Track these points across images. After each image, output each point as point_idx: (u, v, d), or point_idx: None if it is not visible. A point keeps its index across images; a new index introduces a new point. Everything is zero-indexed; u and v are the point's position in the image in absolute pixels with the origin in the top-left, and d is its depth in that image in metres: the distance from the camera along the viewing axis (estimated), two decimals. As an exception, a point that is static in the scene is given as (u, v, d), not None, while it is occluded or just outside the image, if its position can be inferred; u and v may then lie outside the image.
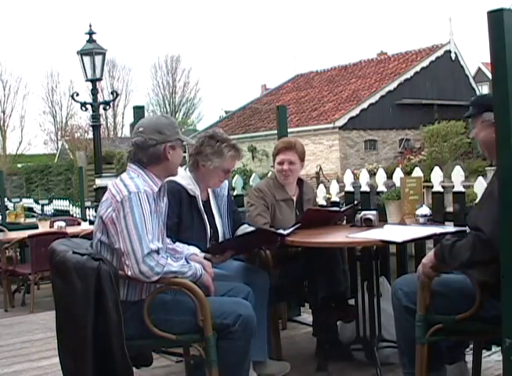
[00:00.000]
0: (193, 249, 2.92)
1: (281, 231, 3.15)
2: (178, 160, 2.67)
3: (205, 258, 2.95)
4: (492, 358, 3.37)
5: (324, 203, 4.35)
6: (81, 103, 10.78)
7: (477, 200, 2.94)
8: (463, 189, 3.47)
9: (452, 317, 2.47)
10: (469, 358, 3.02)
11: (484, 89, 31.49)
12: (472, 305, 2.42)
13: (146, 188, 2.47)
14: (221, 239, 3.25)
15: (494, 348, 3.34)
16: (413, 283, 2.61)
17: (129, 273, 2.39)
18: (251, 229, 3.29)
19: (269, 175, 4.03)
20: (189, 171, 3.23)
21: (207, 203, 3.27)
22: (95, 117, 10.76)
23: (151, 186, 2.53)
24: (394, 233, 3.03)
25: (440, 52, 26.87)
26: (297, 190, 3.73)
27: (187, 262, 2.57)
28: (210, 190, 3.32)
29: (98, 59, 10.56)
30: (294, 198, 3.69)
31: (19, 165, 35.22)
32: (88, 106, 10.72)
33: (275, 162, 3.65)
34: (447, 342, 2.77)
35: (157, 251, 2.41)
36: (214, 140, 3.18)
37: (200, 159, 3.18)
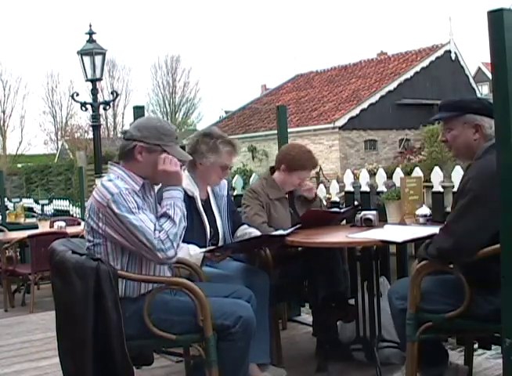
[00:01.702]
0: (192, 247, 2.93)
1: (281, 232, 3.15)
2: (152, 167, 2.52)
3: (204, 256, 2.95)
4: (492, 358, 3.37)
5: (324, 203, 4.35)
6: (81, 103, 10.78)
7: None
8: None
9: (442, 315, 2.49)
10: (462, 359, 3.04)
11: (484, 89, 31.51)
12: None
13: (126, 186, 2.45)
14: (221, 237, 3.25)
15: (494, 348, 3.34)
16: (406, 287, 2.63)
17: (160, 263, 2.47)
18: (253, 230, 3.29)
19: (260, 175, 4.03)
20: (187, 171, 3.23)
21: (207, 202, 3.27)
22: (95, 117, 10.76)
23: (131, 184, 2.49)
24: (394, 233, 3.03)
25: (440, 52, 26.87)
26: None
27: (167, 209, 2.48)
28: (209, 190, 3.32)
29: (98, 59, 10.57)
30: (287, 195, 3.70)
31: (19, 165, 35.23)
32: (88, 106, 10.73)
33: (295, 175, 3.57)
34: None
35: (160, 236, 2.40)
36: (208, 137, 3.19)
37: (196, 157, 3.18)
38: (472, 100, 2.68)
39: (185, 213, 2.51)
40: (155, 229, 2.39)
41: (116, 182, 2.46)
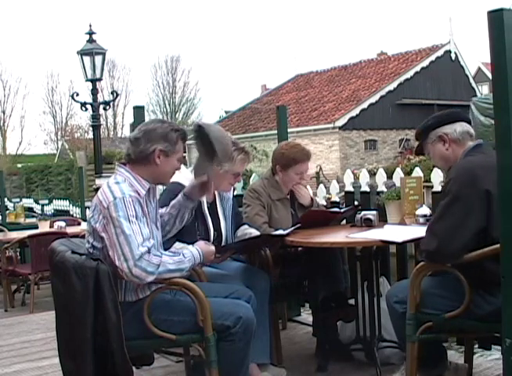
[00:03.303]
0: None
1: (281, 231, 3.15)
2: (168, 169, 2.59)
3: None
4: (492, 358, 3.37)
5: (324, 203, 4.35)
6: (81, 103, 10.77)
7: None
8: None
9: (442, 315, 2.49)
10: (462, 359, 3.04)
11: (484, 89, 31.49)
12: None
13: (131, 193, 2.44)
14: (224, 240, 3.25)
15: (494, 348, 3.34)
16: (405, 289, 2.64)
17: (125, 277, 2.38)
18: (253, 230, 3.28)
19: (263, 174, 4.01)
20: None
21: (212, 205, 3.26)
22: (95, 117, 10.75)
23: (138, 189, 2.50)
24: (394, 233, 3.03)
25: (440, 52, 26.88)
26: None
27: (183, 255, 2.50)
28: (216, 192, 3.32)
29: (98, 59, 10.55)
30: (288, 196, 3.69)
31: (19, 165, 35.18)
32: (88, 106, 10.72)
33: (291, 171, 3.55)
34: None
35: (149, 251, 2.38)
36: None
37: None
38: (426, 120, 2.83)
39: (185, 272, 2.51)
40: (143, 245, 2.37)
41: (122, 186, 2.46)
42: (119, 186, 2.45)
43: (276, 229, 3.30)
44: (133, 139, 2.55)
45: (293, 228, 3.19)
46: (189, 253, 2.52)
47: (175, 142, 2.57)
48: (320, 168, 22.48)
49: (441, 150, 2.72)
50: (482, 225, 2.38)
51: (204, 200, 3.17)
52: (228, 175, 3.17)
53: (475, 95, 23.37)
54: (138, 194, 2.48)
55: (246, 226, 3.36)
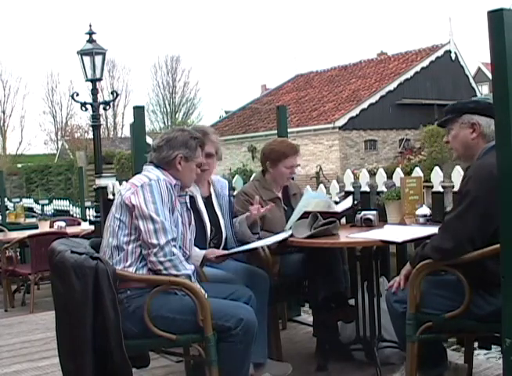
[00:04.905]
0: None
1: (284, 235, 3.15)
2: (189, 173, 2.76)
3: (204, 256, 2.95)
4: (492, 358, 3.38)
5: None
6: (81, 103, 10.76)
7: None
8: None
9: (442, 315, 2.49)
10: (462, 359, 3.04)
11: (484, 89, 31.51)
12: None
13: (166, 178, 2.64)
14: (224, 237, 3.26)
15: (494, 348, 3.35)
16: (405, 289, 2.64)
17: (152, 258, 2.49)
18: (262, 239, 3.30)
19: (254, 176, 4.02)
20: None
21: (208, 199, 3.27)
22: (95, 117, 10.74)
23: (170, 179, 2.68)
24: (394, 233, 3.03)
25: (440, 52, 26.87)
26: (282, 188, 3.75)
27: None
28: (212, 189, 3.32)
29: (98, 59, 10.53)
30: (280, 195, 3.70)
31: (19, 165, 35.22)
32: (88, 106, 10.70)
33: (281, 165, 3.59)
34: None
35: (174, 240, 2.54)
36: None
37: None
38: (468, 101, 2.73)
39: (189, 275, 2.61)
40: (170, 238, 2.52)
41: (155, 172, 2.67)
42: (153, 173, 2.66)
43: (277, 233, 3.28)
44: (156, 146, 2.75)
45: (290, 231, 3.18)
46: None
47: (195, 148, 2.77)
48: (320, 168, 22.49)
49: (467, 136, 2.64)
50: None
51: (198, 195, 3.17)
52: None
53: (475, 95, 23.37)
54: (170, 182, 2.65)
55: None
